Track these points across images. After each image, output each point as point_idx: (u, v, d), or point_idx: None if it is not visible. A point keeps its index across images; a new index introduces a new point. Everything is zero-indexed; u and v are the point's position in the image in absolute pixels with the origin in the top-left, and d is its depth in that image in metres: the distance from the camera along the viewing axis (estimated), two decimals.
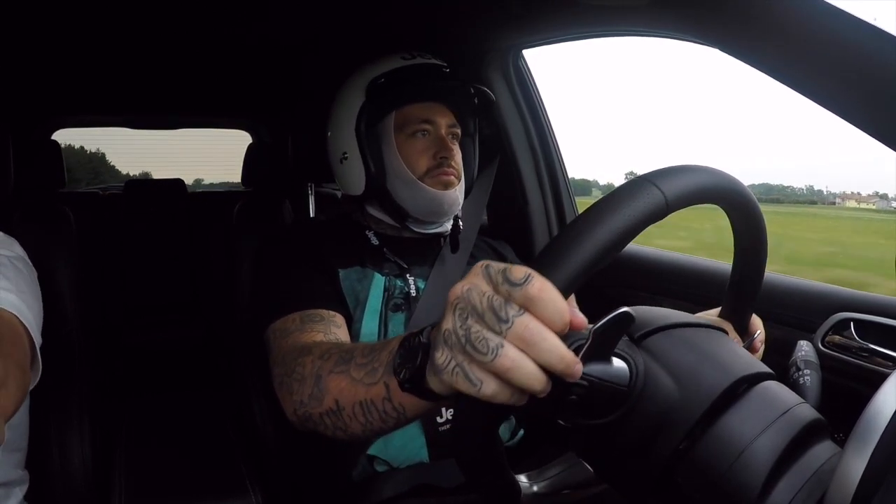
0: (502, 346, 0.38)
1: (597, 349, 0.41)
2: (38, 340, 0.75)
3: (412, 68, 1.02)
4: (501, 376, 0.39)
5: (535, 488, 0.62)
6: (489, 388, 0.39)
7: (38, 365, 0.74)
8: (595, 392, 0.42)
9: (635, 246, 1.36)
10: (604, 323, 0.40)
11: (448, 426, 0.95)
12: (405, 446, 0.94)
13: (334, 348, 0.70)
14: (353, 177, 1.02)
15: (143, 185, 2.61)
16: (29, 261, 0.87)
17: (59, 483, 1.06)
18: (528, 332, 0.38)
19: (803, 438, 0.43)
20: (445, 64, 1.06)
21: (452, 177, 1.01)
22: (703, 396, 0.43)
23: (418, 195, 1.00)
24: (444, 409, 0.95)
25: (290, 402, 0.72)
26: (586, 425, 0.44)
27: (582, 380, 0.40)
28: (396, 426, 0.58)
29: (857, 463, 0.36)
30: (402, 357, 0.51)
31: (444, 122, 1.03)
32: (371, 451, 0.93)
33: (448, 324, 0.41)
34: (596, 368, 0.42)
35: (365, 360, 0.60)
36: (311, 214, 1.58)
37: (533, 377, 0.38)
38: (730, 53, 0.78)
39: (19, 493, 0.90)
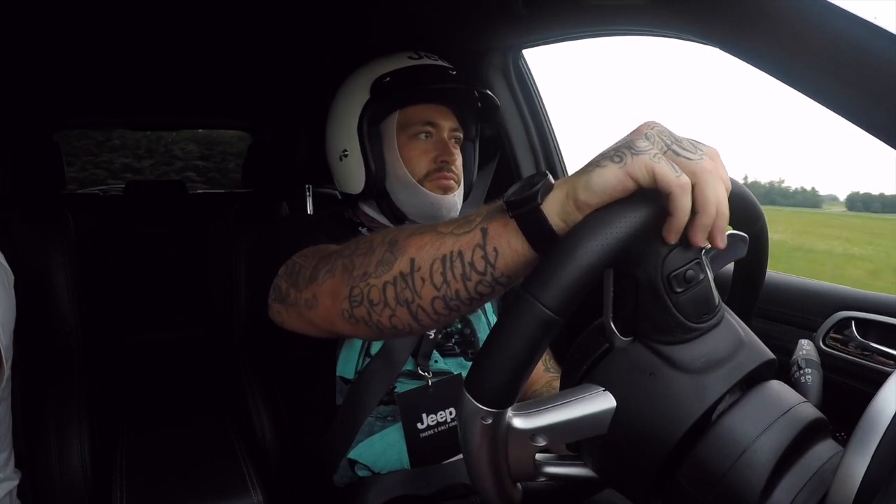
0: (704, 155, 0.44)
1: (722, 253, 0.46)
2: (3, 342, 0.75)
3: (418, 69, 1.00)
4: (697, 177, 0.43)
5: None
6: (684, 178, 0.42)
7: (4, 367, 0.74)
8: (699, 285, 0.45)
9: None
10: (739, 234, 0.50)
11: (429, 432, 0.94)
12: (386, 452, 0.93)
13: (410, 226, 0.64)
14: (352, 175, 1.00)
15: (144, 186, 2.61)
16: (6, 264, 0.86)
17: (59, 484, 1.05)
18: (717, 166, 0.44)
19: (805, 437, 0.43)
20: (452, 66, 1.04)
21: (452, 181, 1.00)
22: (758, 352, 0.46)
23: (417, 198, 0.98)
24: (424, 416, 0.94)
25: (345, 283, 0.64)
26: (669, 322, 0.45)
27: (699, 261, 0.45)
28: (475, 290, 0.54)
29: (859, 462, 0.36)
30: (520, 187, 0.50)
31: (447, 125, 1.01)
32: (352, 454, 0.93)
33: (647, 129, 0.45)
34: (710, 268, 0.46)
35: (456, 219, 0.57)
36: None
37: (715, 195, 0.43)
38: (729, 52, 0.78)
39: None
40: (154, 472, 1.09)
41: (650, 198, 0.43)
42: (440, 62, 1.04)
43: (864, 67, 0.62)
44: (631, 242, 0.42)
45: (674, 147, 0.44)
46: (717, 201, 0.43)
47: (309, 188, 1.27)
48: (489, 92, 1.06)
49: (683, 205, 0.42)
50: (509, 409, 0.44)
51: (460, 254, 0.53)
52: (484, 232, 0.52)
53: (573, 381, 0.48)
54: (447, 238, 0.55)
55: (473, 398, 0.43)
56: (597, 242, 0.41)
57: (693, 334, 0.45)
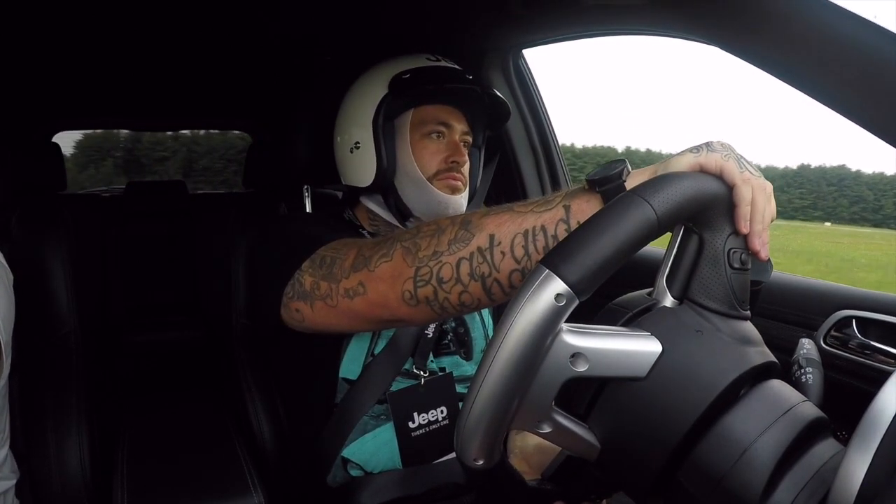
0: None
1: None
2: (3, 337, 0.75)
3: (437, 69, 1.02)
4: (754, 190, 0.50)
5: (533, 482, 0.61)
6: (747, 174, 0.50)
7: (5, 362, 0.74)
8: (745, 275, 0.50)
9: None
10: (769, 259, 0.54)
11: (421, 431, 0.94)
12: (378, 451, 0.93)
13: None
14: (362, 168, 1.00)
15: (144, 187, 2.61)
16: (5, 263, 0.86)
17: (58, 485, 1.05)
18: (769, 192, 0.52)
19: (806, 436, 0.43)
20: (468, 71, 1.05)
21: (460, 182, 1.00)
22: (766, 355, 0.49)
23: (425, 196, 0.99)
24: (416, 415, 0.94)
25: (408, 264, 0.65)
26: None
27: (746, 256, 0.50)
28: None
29: (860, 461, 0.36)
30: (601, 169, 0.56)
31: (460, 127, 1.02)
32: (345, 453, 0.93)
33: (722, 141, 0.53)
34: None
35: (533, 200, 0.61)
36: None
37: (763, 208, 0.51)
38: (730, 52, 0.78)
39: None
40: (155, 473, 1.09)
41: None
42: (456, 66, 1.04)
43: (864, 67, 0.62)
44: (709, 200, 0.48)
45: (742, 161, 0.52)
46: (764, 212, 0.51)
47: (307, 189, 1.27)
48: (503, 99, 1.06)
49: (745, 195, 0.49)
50: (563, 322, 0.41)
51: (543, 228, 0.58)
52: (567, 208, 0.58)
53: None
54: (528, 215, 0.60)
55: (556, 273, 0.40)
56: (696, 177, 0.49)
57: (733, 313, 0.48)
